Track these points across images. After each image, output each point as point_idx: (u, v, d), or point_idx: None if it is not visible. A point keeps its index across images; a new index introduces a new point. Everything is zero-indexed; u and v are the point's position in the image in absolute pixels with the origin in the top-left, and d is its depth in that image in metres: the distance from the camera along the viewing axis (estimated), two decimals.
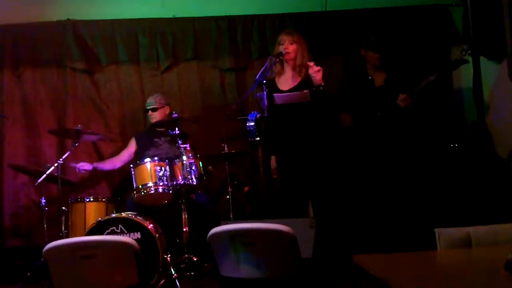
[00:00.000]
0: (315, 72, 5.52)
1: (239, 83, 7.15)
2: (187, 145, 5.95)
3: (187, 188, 5.85)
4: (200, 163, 6.01)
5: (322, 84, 5.53)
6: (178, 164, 5.87)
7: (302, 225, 4.31)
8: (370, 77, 6.22)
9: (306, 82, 5.71)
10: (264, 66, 5.44)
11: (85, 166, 6.45)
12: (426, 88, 5.96)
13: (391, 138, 6.05)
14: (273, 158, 5.78)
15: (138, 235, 5.39)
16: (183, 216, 5.79)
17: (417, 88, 5.92)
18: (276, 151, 5.72)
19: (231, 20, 7.12)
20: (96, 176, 6.94)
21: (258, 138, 5.20)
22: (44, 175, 5.80)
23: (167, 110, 6.63)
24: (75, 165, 6.41)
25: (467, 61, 5.64)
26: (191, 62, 7.16)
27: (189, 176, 5.79)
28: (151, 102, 6.62)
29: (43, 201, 5.92)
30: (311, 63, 5.56)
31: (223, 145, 6.17)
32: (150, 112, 6.60)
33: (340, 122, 6.16)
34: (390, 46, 6.45)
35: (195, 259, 5.68)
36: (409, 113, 6.01)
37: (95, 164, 6.59)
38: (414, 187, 6.01)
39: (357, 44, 6.57)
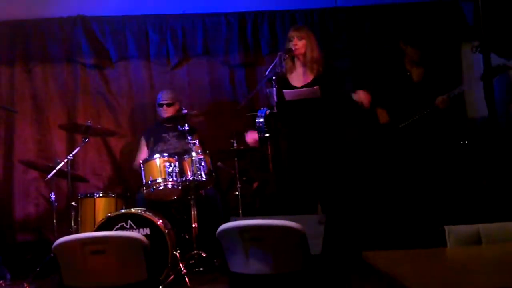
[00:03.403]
0: (364, 100, 5.65)
1: (249, 79, 7.14)
2: (197, 141, 5.95)
3: (196, 184, 5.86)
4: (210, 159, 6.02)
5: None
6: (187, 160, 5.88)
7: (311, 221, 4.31)
8: (408, 73, 6.19)
9: (319, 78, 5.71)
10: (274, 62, 5.44)
11: None
12: (459, 95, 6.03)
13: (401, 136, 6.04)
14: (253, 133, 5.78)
15: (147, 230, 5.40)
16: (192, 212, 5.80)
17: (452, 93, 5.92)
18: (285, 146, 5.72)
19: (241, 16, 7.12)
20: (106, 171, 6.97)
21: (267, 134, 5.20)
22: (54, 171, 5.81)
23: (177, 106, 6.63)
24: None
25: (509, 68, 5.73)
26: (201, 58, 7.16)
27: (198, 172, 5.80)
28: (167, 97, 6.62)
29: (53, 196, 5.93)
30: (360, 91, 5.73)
31: (232, 141, 6.17)
32: (164, 106, 6.58)
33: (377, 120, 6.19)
34: (430, 41, 6.43)
35: (204, 255, 5.69)
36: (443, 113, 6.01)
37: None
38: (424, 184, 5.99)
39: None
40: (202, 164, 5.84)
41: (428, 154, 6.06)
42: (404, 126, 6.03)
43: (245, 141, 6.17)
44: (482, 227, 3.24)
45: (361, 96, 5.76)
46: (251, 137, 5.78)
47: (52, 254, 3.96)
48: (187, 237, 6.07)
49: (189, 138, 5.89)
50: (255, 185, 6.55)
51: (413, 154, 6.02)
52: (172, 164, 5.89)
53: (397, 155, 6.05)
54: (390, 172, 6.09)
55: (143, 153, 6.65)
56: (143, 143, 6.72)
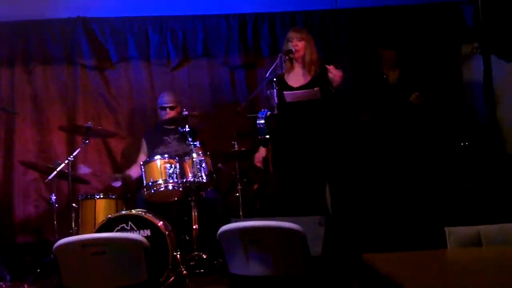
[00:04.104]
0: (335, 76, 5.54)
1: (249, 80, 7.14)
2: (197, 143, 5.95)
3: (197, 185, 5.86)
4: (210, 160, 6.02)
5: (339, 87, 5.57)
6: (188, 161, 5.87)
7: (311, 222, 4.31)
8: (384, 76, 6.23)
9: (317, 79, 5.71)
10: (274, 64, 5.44)
11: (116, 184, 6.41)
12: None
13: (401, 136, 6.05)
14: (261, 149, 5.76)
15: (148, 232, 5.39)
16: (193, 213, 5.80)
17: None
18: (286, 148, 5.72)
19: (241, 18, 7.12)
20: (106, 173, 6.96)
21: (268, 136, 5.20)
22: (55, 172, 5.81)
23: (179, 109, 6.62)
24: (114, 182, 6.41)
25: None
26: (201, 59, 7.17)
27: (199, 173, 5.80)
28: (170, 100, 6.61)
29: (53, 197, 5.92)
30: (331, 67, 5.56)
31: (233, 142, 6.17)
32: (167, 110, 6.57)
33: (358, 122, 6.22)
34: (406, 43, 6.47)
35: (204, 257, 5.69)
36: (420, 110, 6.02)
37: (125, 175, 6.53)
38: (424, 185, 6.00)
39: (369, 42, 6.59)
40: (203, 165, 5.85)
41: (429, 155, 6.08)
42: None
43: (245, 142, 6.19)
44: (482, 228, 3.24)
45: (332, 71, 5.68)
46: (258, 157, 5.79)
47: (52, 256, 3.97)
48: (187, 238, 6.06)
49: (189, 139, 5.88)
50: (255, 186, 6.55)
51: (413, 155, 6.04)
52: (173, 166, 5.89)
53: (398, 156, 6.06)
54: (390, 173, 6.10)
55: (144, 153, 6.65)
56: (144, 143, 6.72)
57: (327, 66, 5.59)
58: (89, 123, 5.98)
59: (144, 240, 3.93)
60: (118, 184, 6.34)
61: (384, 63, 6.30)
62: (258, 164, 5.81)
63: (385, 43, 6.30)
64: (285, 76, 5.85)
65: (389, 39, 6.34)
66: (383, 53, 6.26)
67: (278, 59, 5.51)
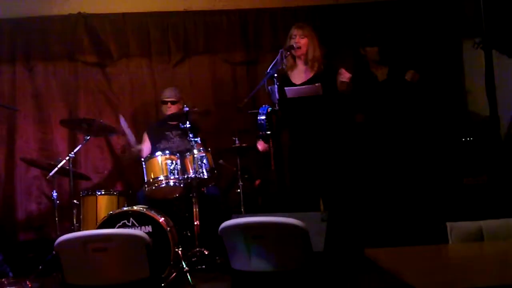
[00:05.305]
0: (344, 81, 5.56)
1: (250, 77, 7.14)
2: (198, 139, 5.94)
3: (198, 181, 5.85)
4: (211, 156, 6.02)
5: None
6: (189, 157, 5.87)
7: (313, 218, 4.31)
8: (374, 75, 6.24)
9: (319, 76, 5.70)
10: (275, 60, 5.43)
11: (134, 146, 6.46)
12: None
13: (402, 131, 6.04)
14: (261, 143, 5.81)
15: (149, 228, 5.39)
16: (194, 210, 5.80)
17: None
18: (287, 144, 5.72)
19: (242, 14, 7.12)
20: (107, 169, 6.96)
21: (269, 132, 5.20)
22: (56, 168, 5.81)
23: (180, 104, 6.62)
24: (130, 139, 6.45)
25: None
26: (202, 56, 7.17)
27: (200, 170, 5.79)
28: (171, 94, 6.61)
29: (55, 194, 5.92)
30: (342, 70, 5.57)
31: (234, 138, 6.17)
32: (169, 104, 6.57)
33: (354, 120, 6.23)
34: (388, 39, 6.47)
35: (206, 253, 5.69)
36: (420, 89, 6.05)
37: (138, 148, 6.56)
38: (426, 180, 5.99)
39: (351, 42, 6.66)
40: (204, 161, 5.84)
41: (430, 150, 6.07)
42: None
43: (246, 138, 6.18)
44: (484, 223, 3.24)
45: (343, 73, 5.71)
46: (262, 145, 5.80)
47: (54, 252, 3.96)
48: (189, 234, 6.06)
49: (190, 135, 5.87)
50: (257, 182, 6.55)
51: (415, 151, 6.04)
52: (174, 162, 5.88)
53: (399, 152, 6.06)
54: (392, 169, 6.09)
55: (146, 146, 6.64)
56: (146, 137, 6.72)
57: (341, 70, 5.61)
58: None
59: (146, 236, 3.93)
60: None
61: (370, 63, 6.31)
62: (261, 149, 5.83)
63: (364, 42, 6.32)
64: (289, 73, 5.84)
65: (374, 36, 6.35)
66: (366, 52, 6.28)
67: (279, 54, 5.50)
